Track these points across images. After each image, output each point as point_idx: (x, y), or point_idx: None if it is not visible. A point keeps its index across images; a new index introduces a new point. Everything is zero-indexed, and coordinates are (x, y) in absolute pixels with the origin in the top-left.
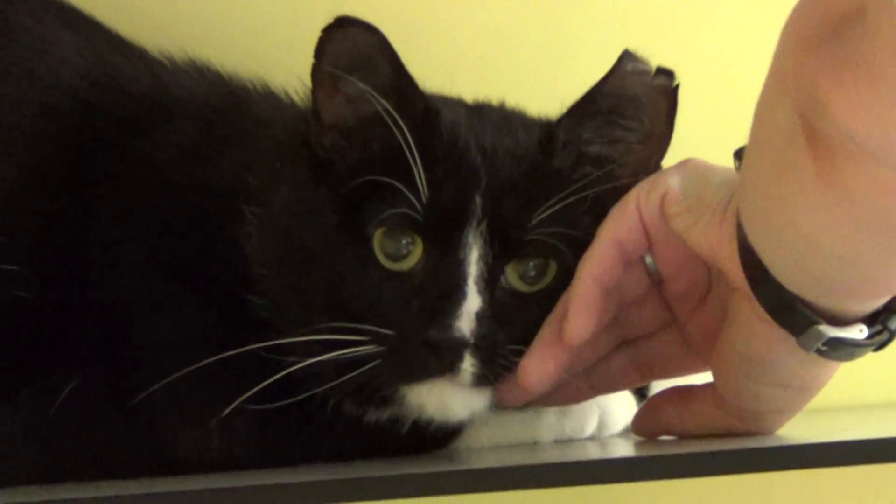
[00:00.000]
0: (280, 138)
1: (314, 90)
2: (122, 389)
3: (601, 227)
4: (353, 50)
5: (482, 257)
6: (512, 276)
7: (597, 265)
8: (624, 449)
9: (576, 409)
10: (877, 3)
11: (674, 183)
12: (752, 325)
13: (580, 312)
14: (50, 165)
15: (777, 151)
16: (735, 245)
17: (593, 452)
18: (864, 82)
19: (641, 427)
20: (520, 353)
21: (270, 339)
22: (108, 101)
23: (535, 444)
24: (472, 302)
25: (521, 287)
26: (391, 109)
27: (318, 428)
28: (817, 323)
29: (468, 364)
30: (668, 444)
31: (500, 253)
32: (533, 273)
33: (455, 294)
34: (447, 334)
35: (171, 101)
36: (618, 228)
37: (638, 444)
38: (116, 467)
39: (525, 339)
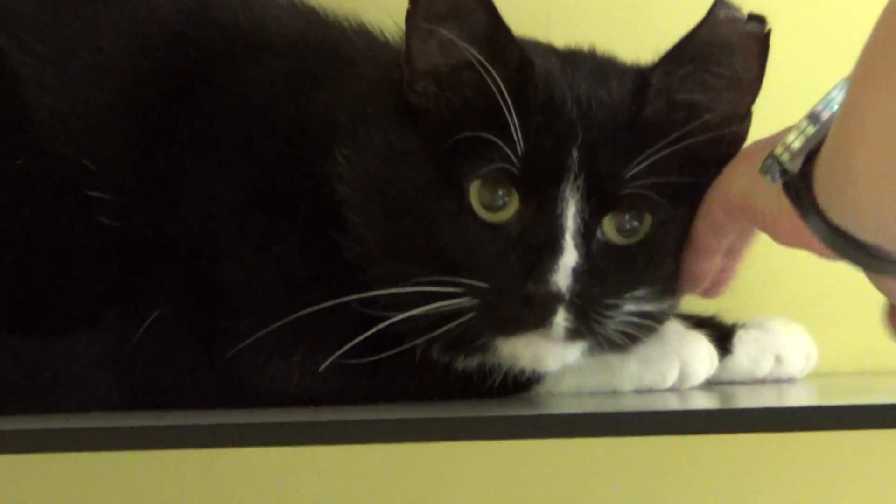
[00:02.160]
0: (373, 78)
1: (407, 36)
2: (206, 320)
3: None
4: None
5: (579, 212)
6: (609, 229)
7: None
8: (703, 401)
9: (657, 360)
10: None
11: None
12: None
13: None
14: (141, 96)
15: None
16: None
17: (672, 403)
18: None
19: None
20: (614, 308)
21: (361, 286)
22: (202, 34)
23: (614, 393)
24: (569, 257)
25: (618, 240)
26: (484, 61)
27: (402, 370)
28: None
29: (561, 318)
30: (747, 399)
31: (596, 207)
32: (629, 226)
33: (552, 248)
34: (544, 288)
35: (265, 36)
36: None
37: (717, 397)
38: (195, 398)
39: (620, 292)
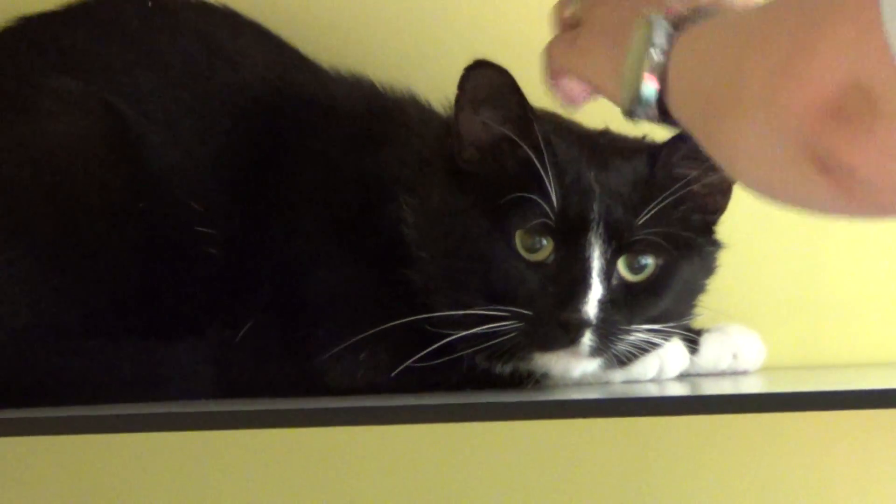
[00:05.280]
0: (426, 142)
1: (456, 114)
2: (290, 329)
3: None
4: (488, 86)
5: (602, 254)
6: (623, 269)
7: None
8: (676, 389)
9: (641, 357)
10: (884, 103)
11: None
12: None
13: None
14: (240, 154)
15: (774, 162)
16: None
17: (652, 391)
18: (878, 150)
19: None
20: (626, 332)
21: (422, 307)
22: (287, 105)
23: (606, 383)
24: (596, 291)
25: (630, 277)
26: (518, 139)
27: (451, 372)
28: None
29: (587, 339)
30: (710, 387)
31: (614, 250)
32: (637, 265)
33: (584, 284)
34: (577, 316)
35: (337, 107)
36: None
37: (688, 386)
38: (280, 389)
39: (632, 321)
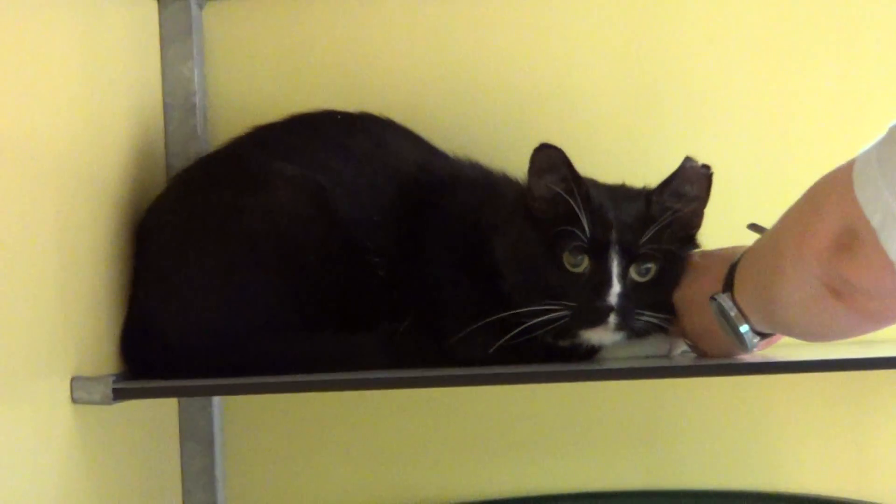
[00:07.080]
0: (511, 202)
1: (529, 179)
2: (432, 324)
3: None
4: (548, 160)
5: (619, 264)
6: (633, 273)
7: None
8: (680, 361)
9: (657, 341)
10: (864, 237)
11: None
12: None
13: None
14: (397, 211)
15: (808, 302)
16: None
17: (663, 362)
18: (866, 266)
19: None
20: (639, 315)
21: (511, 305)
22: (427, 180)
23: (634, 357)
24: (616, 288)
25: (638, 278)
26: (566, 195)
27: (531, 348)
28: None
29: (612, 319)
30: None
31: (627, 261)
32: (643, 270)
33: (607, 284)
34: (605, 304)
35: (458, 180)
36: None
37: (688, 358)
38: (428, 363)
39: (641, 306)
